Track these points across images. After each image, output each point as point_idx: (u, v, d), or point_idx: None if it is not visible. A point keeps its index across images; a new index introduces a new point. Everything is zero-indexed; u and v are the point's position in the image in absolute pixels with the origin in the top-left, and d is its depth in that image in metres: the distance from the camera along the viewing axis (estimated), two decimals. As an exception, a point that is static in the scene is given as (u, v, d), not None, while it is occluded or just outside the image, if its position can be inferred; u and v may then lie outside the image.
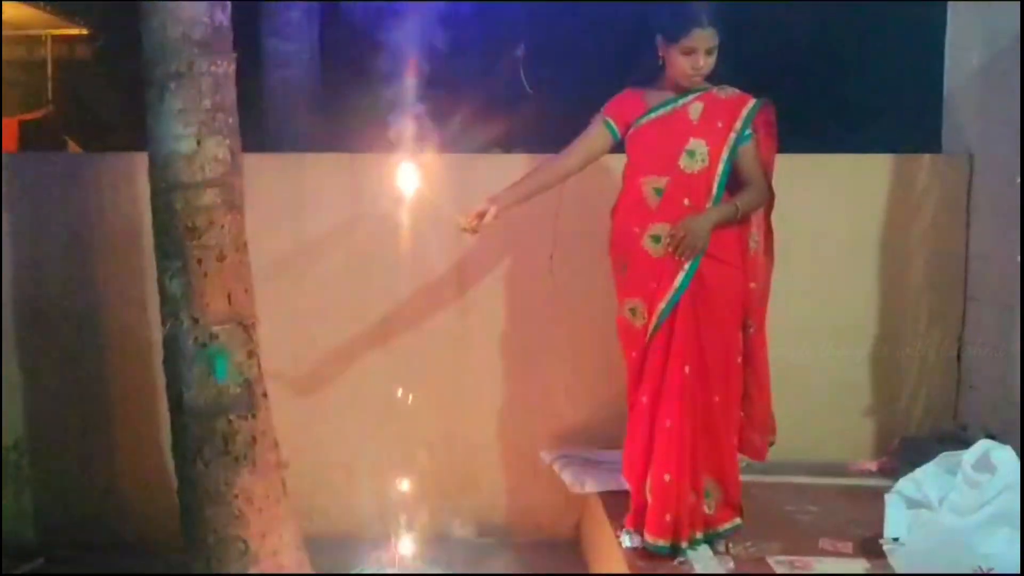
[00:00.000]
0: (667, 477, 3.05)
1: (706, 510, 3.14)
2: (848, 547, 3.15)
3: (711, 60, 3.06)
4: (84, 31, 8.19)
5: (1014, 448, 2.92)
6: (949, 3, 4.18)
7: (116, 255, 3.91)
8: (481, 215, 3.12)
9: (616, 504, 3.37)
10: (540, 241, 3.91)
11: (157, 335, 3.47)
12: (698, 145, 3.09)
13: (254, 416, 3.13)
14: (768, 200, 3.21)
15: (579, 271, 3.91)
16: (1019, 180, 2.81)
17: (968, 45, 4.07)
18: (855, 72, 4.34)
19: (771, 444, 3.35)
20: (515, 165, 3.91)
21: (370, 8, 4.32)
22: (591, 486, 3.59)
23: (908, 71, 4.31)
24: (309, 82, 4.46)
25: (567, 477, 3.67)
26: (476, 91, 4.20)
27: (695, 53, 3.04)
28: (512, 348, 4.02)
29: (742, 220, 3.13)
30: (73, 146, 6.24)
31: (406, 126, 3.85)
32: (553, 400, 4.02)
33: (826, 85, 4.29)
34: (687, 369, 3.06)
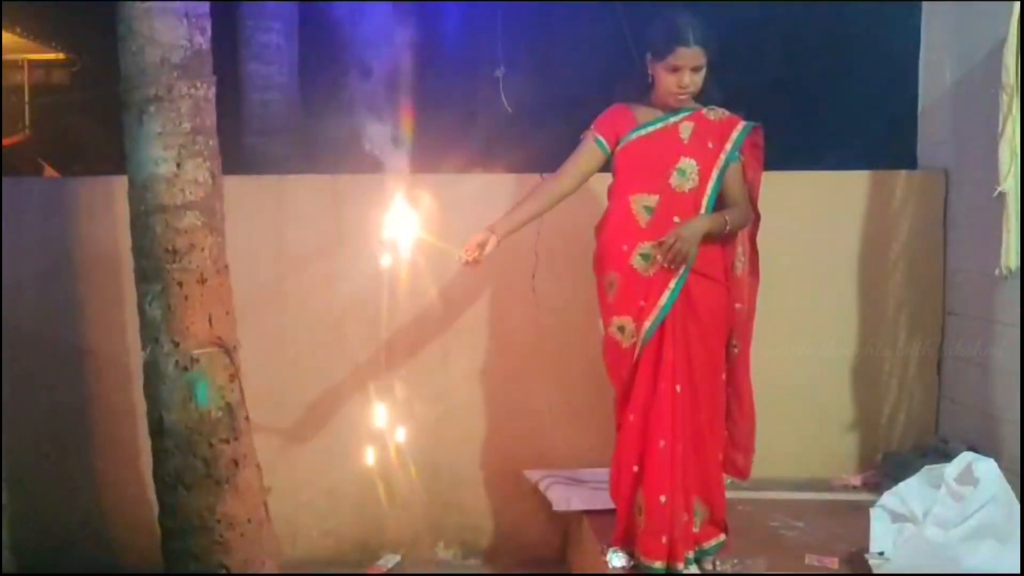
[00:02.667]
0: (663, 499, 3.03)
1: (694, 530, 3.13)
2: (834, 562, 3.16)
3: (698, 78, 3.06)
4: (60, 56, 8.18)
5: (996, 460, 2.94)
6: (923, 22, 4.24)
7: (94, 279, 3.88)
8: (482, 245, 3.08)
9: (602, 523, 3.36)
10: (523, 261, 3.92)
11: (136, 360, 3.45)
12: (688, 164, 3.09)
13: (236, 440, 3.10)
14: (753, 221, 3.23)
15: (562, 290, 3.92)
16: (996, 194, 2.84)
17: (942, 63, 4.13)
18: (831, 90, 4.38)
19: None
20: (496, 184, 3.94)
21: (349, 31, 4.34)
22: (577, 504, 3.58)
23: (883, 89, 4.35)
24: (288, 105, 4.46)
25: (552, 496, 3.66)
26: (455, 111, 4.20)
27: (680, 71, 3.03)
28: (496, 368, 4.01)
29: (728, 238, 3.14)
30: (50, 171, 6.20)
31: (385, 147, 3.85)
32: (537, 420, 4.01)
33: (802, 103, 4.33)
34: (678, 388, 3.05)
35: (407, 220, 3.12)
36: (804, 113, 4.33)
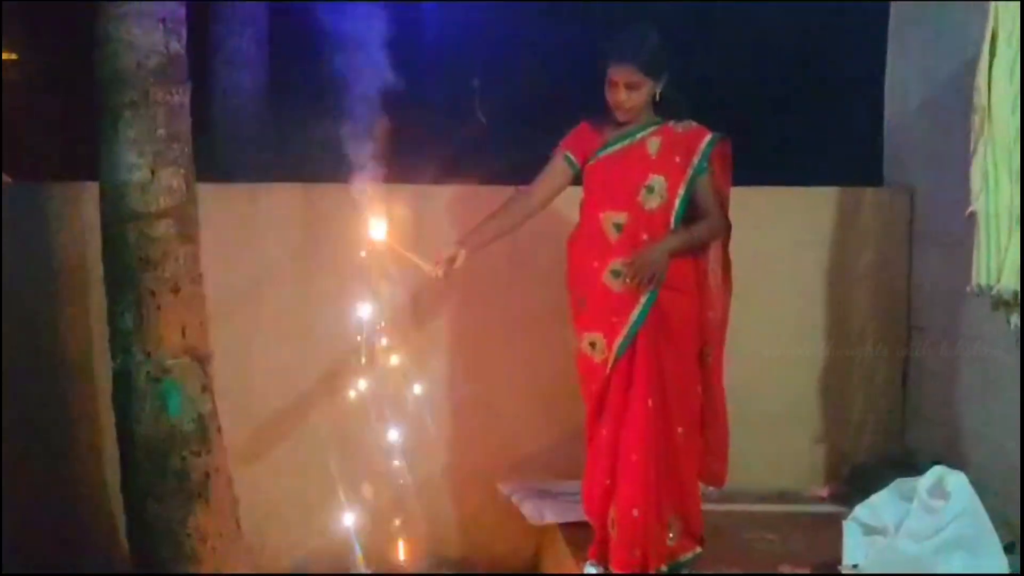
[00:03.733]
0: (635, 512, 3.04)
1: (669, 542, 3.14)
2: (808, 573, 3.18)
3: (635, 96, 3.05)
4: (13, 57, 8.00)
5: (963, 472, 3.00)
6: (888, 42, 4.32)
7: (60, 287, 3.78)
8: (451, 260, 3.06)
9: (576, 535, 3.36)
10: (497, 272, 3.92)
11: (103, 370, 3.39)
12: (657, 181, 3.09)
13: (208, 452, 3.07)
14: (725, 232, 3.26)
15: (535, 302, 3.91)
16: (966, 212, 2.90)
17: (907, 83, 4.21)
18: (799, 109, 4.45)
19: None
20: (469, 195, 3.93)
21: (320, 37, 4.29)
22: (551, 517, 3.57)
23: (850, 108, 4.43)
24: (258, 111, 4.41)
25: (526, 509, 3.65)
26: (429, 120, 4.19)
27: (616, 86, 3.04)
28: (469, 379, 3.99)
29: (699, 250, 3.16)
30: (6, 177, 6.05)
31: (358, 156, 3.82)
32: (509, 432, 4.00)
33: (771, 121, 4.39)
34: (650, 402, 3.06)
35: (379, 230, 3.06)
36: (772, 130, 4.39)
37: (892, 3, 4.29)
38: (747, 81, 4.49)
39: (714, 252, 3.23)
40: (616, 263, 3.08)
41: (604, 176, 3.14)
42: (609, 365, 3.09)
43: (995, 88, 2.84)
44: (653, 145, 3.12)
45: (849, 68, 4.45)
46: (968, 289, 2.94)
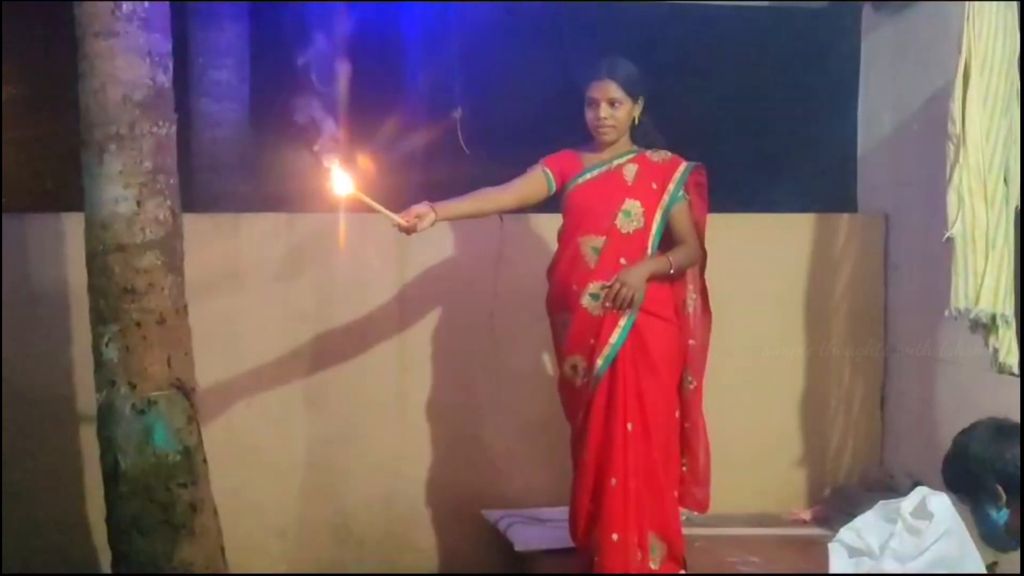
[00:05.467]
0: (615, 536, 3.07)
1: (652, 566, 3.16)
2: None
3: (618, 113, 3.16)
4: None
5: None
6: (861, 70, 4.41)
7: (43, 319, 3.74)
8: (420, 216, 3.04)
9: (562, 562, 3.37)
10: (480, 298, 3.94)
11: (85, 402, 3.36)
12: (633, 206, 3.17)
13: (194, 484, 3.03)
14: (701, 259, 3.31)
15: (519, 328, 3.93)
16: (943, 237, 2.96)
17: (880, 110, 4.30)
18: (773, 137, 4.51)
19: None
20: (456, 224, 3.94)
21: (301, 68, 4.31)
22: (538, 544, 3.58)
23: (823, 135, 4.50)
24: (240, 142, 4.41)
25: (513, 536, 3.65)
26: (411, 149, 4.22)
27: (597, 104, 3.15)
28: (453, 407, 3.99)
29: (676, 276, 3.22)
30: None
31: (337, 184, 3.82)
32: (495, 459, 4.00)
33: (745, 148, 4.44)
34: (630, 426, 3.10)
35: (344, 183, 2.97)
36: (747, 158, 4.45)
37: (865, 33, 4.39)
38: (721, 109, 4.55)
39: (692, 279, 3.30)
40: (593, 287, 3.14)
41: (582, 201, 3.21)
42: (589, 388, 3.12)
43: (969, 116, 2.91)
44: (630, 172, 3.20)
45: (823, 98, 4.53)
46: (946, 313, 3.00)
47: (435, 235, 3.83)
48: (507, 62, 4.32)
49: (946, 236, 2.93)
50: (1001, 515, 2.40)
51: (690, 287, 3.32)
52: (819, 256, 4.27)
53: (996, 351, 2.99)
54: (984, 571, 2.92)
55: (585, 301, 3.15)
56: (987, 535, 2.53)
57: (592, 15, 4.34)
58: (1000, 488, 2.39)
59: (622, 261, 3.13)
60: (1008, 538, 2.46)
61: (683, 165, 3.22)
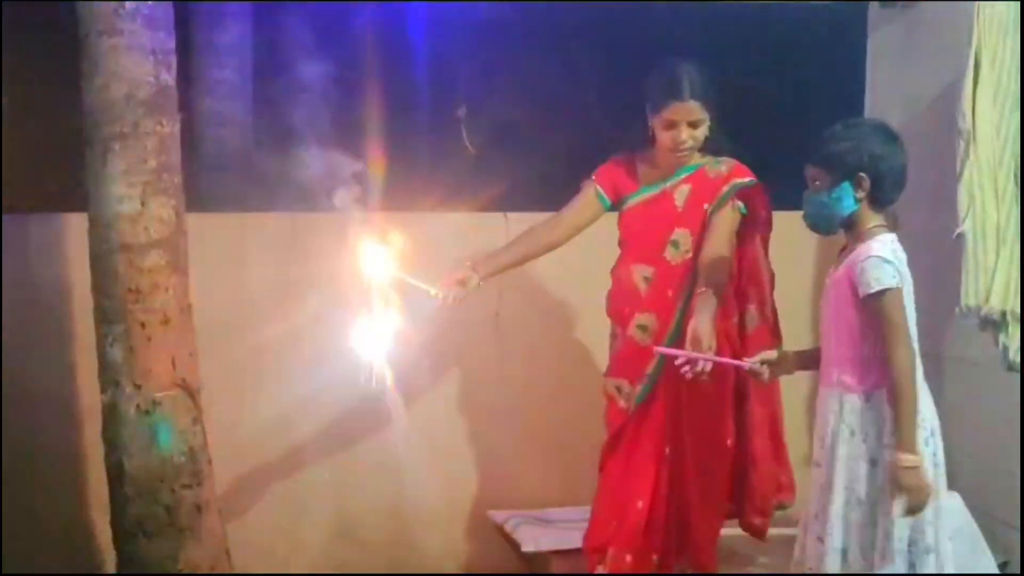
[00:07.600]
0: (628, 557, 3.02)
1: None
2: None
3: (697, 133, 2.93)
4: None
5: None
6: (868, 66, 4.38)
7: (47, 320, 3.72)
8: (462, 282, 2.94)
9: (571, 563, 3.36)
10: (488, 300, 3.91)
11: (88, 403, 3.34)
12: (682, 235, 3.02)
13: (199, 485, 3.02)
14: (769, 280, 3.17)
15: (525, 328, 3.91)
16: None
17: (887, 108, 4.26)
18: (780, 134, 4.49)
19: (784, 507, 3.29)
20: (461, 223, 3.94)
21: (303, 67, 4.31)
22: (546, 545, 3.56)
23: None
24: (242, 141, 4.41)
25: (521, 536, 3.63)
26: (415, 149, 4.21)
27: (677, 126, 2.91)
28: (460, 409, 3.97)
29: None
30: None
31: (342, 184, 3.81)
32: (502, 460, 3.98)
33: (754, 146, 4.42)
34: (667, 450, 3.03)
35: (381, 258, 3.00)
36: (753, 154, 4.42)
37: (872, 30, 4.37)
38: (727, 106, 4.52)
39: (755, 298, 3.14)
40: (642, 317, 3.05)
41: (632, 226, 3.09)
42: (630, 410, 3.06)
43: (979, 112, 2.90)
44: (681, 195, 3.03)
45: (830, 95, 4.51)
46: (957, 310, 2.97)
47: (438, 235, 3.83)
48: (516, 61, 4.32)
49: (956, 232, 2.91)
50: (855, 204, 2.56)
51: (751, 306, 3.13)
52: (824, 253, 4.23)
53: (1006, 349, 2.97)
54: (996, 571, 2.91)
55: (633, 331, 3.06)
56: (818, 215, 2.65)
57: (594, 16, 4.33)
58: (867, 179, 2.54)
59: (670, 294, 3.01)
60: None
61: (731, 183, 3.00)
